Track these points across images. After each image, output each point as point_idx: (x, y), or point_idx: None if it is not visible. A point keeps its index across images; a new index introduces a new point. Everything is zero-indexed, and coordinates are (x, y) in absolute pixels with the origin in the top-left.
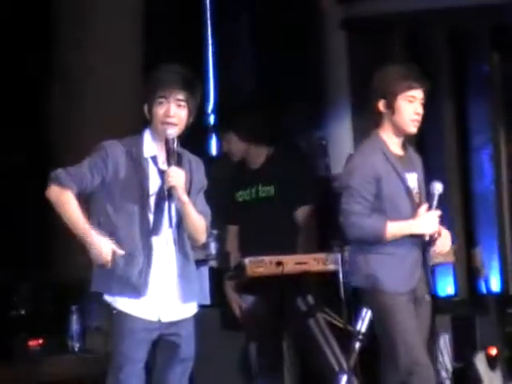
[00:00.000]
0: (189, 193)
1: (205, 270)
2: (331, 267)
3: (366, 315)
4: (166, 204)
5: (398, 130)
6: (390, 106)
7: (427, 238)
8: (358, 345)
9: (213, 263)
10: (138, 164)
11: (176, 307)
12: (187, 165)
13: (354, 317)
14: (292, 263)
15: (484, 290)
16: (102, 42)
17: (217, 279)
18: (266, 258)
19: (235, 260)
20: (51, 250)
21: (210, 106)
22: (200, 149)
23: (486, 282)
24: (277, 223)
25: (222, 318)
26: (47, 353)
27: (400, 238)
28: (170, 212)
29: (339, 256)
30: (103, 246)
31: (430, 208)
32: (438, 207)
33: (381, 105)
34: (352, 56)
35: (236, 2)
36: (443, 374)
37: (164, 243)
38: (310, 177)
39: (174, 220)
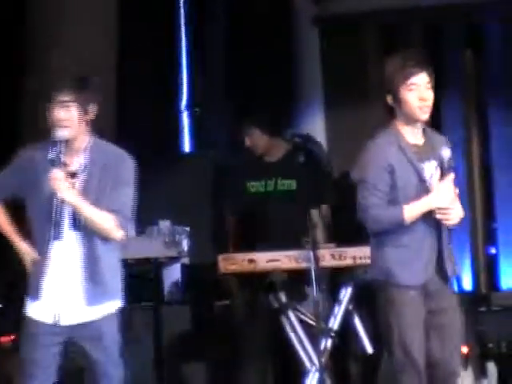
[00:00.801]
0: (100, 189)
1: (176, 267)
2: (303, 265)
3: (338, 313)
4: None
5: (410, 120)
6: (396, 99)
7: (438, 215)
8: (330, 342)
9: (185, 260)
10: (44, 168)
11: (80, 310)
12: (99, 161)
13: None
14: (264, 261)
15: (456, 289)
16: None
17: (189, 276)
18: (239, 255)
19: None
20: None
21: (183, 104)
22: (173, 145)
23: (458, 280)
24: (294, 216)
25: (192, 316)
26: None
27: (415, 226)
28: (71, 214)
29: (311, 254)
30: (24, 252)
31: (442, 176)
32: (448, 172)
33: (389, 99)
34: (325, 53)
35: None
36: None
37: (67, 247)
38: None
39: (78, 222)
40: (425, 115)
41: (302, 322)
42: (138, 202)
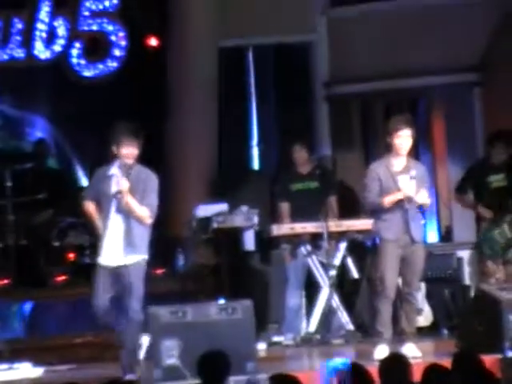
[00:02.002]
0: (140, 193)
1: (251, 232)
2: (320, 230)
3: (338, 255)
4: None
5: (395, 153)
6: (391, 141)
7: (406, 202)
8: (334, 272)
9: (256, 228)
10: (105, 179)
11: (122, 257)
12: (135, 177)
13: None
14: (299, 228)
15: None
16: None
17: (257, 236)
18: (284, 225)
19: (287, 225)
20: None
21: (255, 141)
22: (248, 165)
23: (424, 238)
24: (318, 202)
25: (260, 258)
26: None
27: (392, 208)
28: (119, 205)
29: (324, 224)
30: (101, 229)
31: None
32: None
33: (388, 139)
34: (331, 115)
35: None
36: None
37: (116, 223)
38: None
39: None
40: (404, 152)
41: (319, 261)
42: (231, 197)
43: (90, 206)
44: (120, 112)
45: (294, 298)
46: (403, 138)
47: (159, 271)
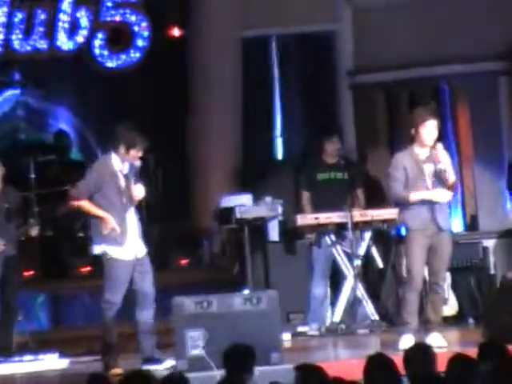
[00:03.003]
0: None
1: (275, 222)
2: (344, 220)
3: (363, 245)
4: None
5: (422, 144)
6: (416, 131)
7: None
8: (359, 262)
9: (280, 218)
10: (115, 173)
11: (140, 249)
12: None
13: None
14: (324, 218)
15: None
16: None
17: (282, 226)
18: (309, 215)
19: (311, 215)
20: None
21: (278, 131)
22: (272, 155)
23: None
24: (345, 193)
25: (284, 249)
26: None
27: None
28: (130, 197)
29: (349, 214)
30: (112, 220)
31: (440, 183)
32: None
33: (412, 131)
34: (355, 104)
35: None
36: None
37: (131, 216)
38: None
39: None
40: (430, 143)
41: (344, 251)
42: (254, 189)
43: (84, 203)
44: (143, 103)
45: (319, 288)
46: (429, 129)
47: (184, 262)
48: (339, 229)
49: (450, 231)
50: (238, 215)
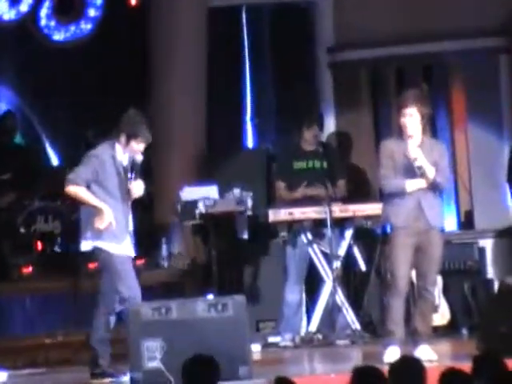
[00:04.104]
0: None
1: (244, 217)
2: (323, 216)
3: (344, 245)
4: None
5: (405, 133)
6: (400, 119)
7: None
8: (338, 263)
9: (249, 213)
10: (116, 162)
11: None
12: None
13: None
14: (299, 212)
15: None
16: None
17: (251, 222)
18: (283, 209)
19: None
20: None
21: (249, 114)
22: (241, 142)
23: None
24: (324, 186)
25: (255, 248)
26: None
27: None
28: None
29: (328, 209)
30: (110, 213)
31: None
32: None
33: (398, 117)
34: (336, 85)
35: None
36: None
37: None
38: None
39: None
40: (411, 133)
41: (322, 251)
42: (221, 178)
43: (82, 190)
44: (95, 82)
45: (294, 293)
46: (406, 117)
47: (139, 262)
48: (317, 226)
49: (440, 229)
50: (202, 209)
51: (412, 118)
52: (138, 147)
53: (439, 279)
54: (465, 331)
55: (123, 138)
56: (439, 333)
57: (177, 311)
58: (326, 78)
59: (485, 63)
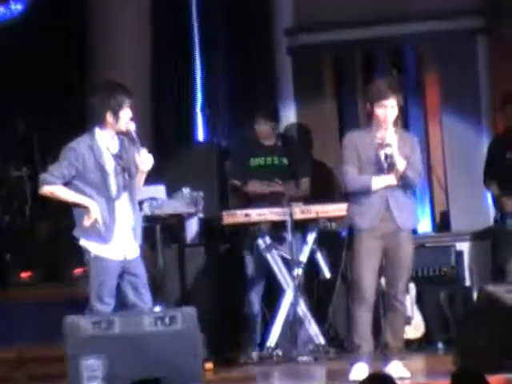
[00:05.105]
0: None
1: (194, 220)
2: (282, 218)
3: (306, 250)
4: (121, 177)
5: (379, 125)
6: (372, 110)
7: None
8: (300, 271)
9: (200, 215)
10: (96, 153)
11: (132, 249)
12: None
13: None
14: (255, 214)
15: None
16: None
17: (203, 225)
18: (238, 211)
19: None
20: None
21: (199, 106)
22: (190, 136)
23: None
24: (284, 185)
25: (206, 254)
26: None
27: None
28: (124, 181)
29: (288, 210)
30: (96, 209)
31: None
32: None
33: (368, 107)
34: (296, 72)
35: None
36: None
37: (123, 205)
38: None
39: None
40: (386, 126)
41: (281, 257)
42: (168, 176)
43: (58, 188)
44: (29, 66)
45: (250, 304)
46: (388, 109)
47: (78, 271)
48: (276, 229)
49: (410, 231)
50: (148, 211)
51: (393, 110)
52: (127, 115)
53: (412, 287)
54: (441, 345)
55: (110, 118)
56: (412, 347)
57: (120, 325)
58: (285, 63)
59: (461, 46)
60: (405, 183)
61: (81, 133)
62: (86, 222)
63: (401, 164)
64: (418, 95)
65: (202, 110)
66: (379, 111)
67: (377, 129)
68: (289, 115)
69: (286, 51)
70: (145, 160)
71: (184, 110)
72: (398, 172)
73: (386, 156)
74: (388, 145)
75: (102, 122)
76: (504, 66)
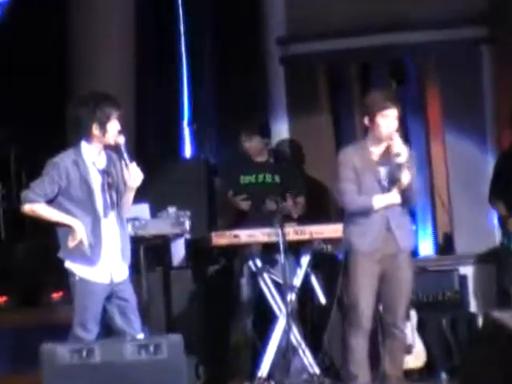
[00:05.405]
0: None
1: (180, 241)
2: (274, 239)
3: (300, 274)
4: (108, 194)
5: (377, 138)
6: (371, 122)
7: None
8: (294, 296)
9: (187, 236)
10: (82, 168)
11: (120, 271)
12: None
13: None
14: (245, 235)
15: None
16: None
17: (190, 247)
18: (227, 232)
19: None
20: None
21: (185, 122)
22: (176, 151)
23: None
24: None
25: (193, 277)
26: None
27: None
28: (111, 199)
29: (280, 231)
30: (81, 229)
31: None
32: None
33: (365, 120)
34: (288, 83)
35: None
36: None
37: (111, 224)
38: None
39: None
40: (387, 137)
41: (273, 281)
42: (153, 194)
43: (40, 206)
44: (5, 80)
45: (240, 331)
46: (389, 120)
47: (56, 295)
48: (267, 251)
49: (409, 253)
50: (131, 232)
51: (394, 120)
52: (115, 127)
53: (413, 313)
54: (444, 375)
55: (96, 131)
56: (414, 377)
57: (100, 353)
58: (277, 74)
59: (464, 56)
60: (406, 200)
61: (62, 148)
62: (71, 243)
63: (406, 176)
64: (418, 110)
65: (189, 124)
66: (381, 121)
67: (374, 143)
68: (281, 129)
69: (279, 61)
70: (134, 175)
71: (170, 125)
72: (402, 186)
73: (394, 166)
74: (398, 154)
75: (88, 136)
76: (509, 77)
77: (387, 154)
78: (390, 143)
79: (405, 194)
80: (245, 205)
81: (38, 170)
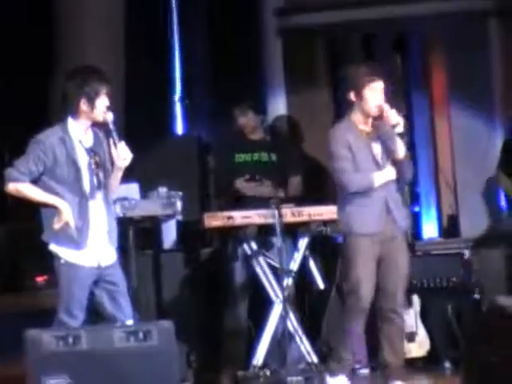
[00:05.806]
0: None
1: (171, 223)
2: (270, 221)
3: (297, 258)
4: (95, 174)
5: (364, 113)
6: (358, 96)
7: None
8: (290, 280)
9: (178, 217)
10: (69, 146)
11: (109, 254)
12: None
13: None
14: (240, 217)
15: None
16: None
17: (181, 229)
18: (220, 213)
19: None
20: None
21: (177, 96)
22: (167, 128)
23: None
24: (273, 184)
25: (184, 261)
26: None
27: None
28: (98, 179)
29: (276, 213)
30: (68, 210)
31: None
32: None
33: (352, 95)
34: (286, 56)
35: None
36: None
37: (98, 205)
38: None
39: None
40: (374, 111)
41: (269, 265)
42: (143, 173)
43: (25, 186)
44: None
45: (235, 318)
46: (377, 93)
47: (40, 279)
48: (263, 233)
49: (404, 234)
50: (120, 213)
51: (381, 94)
52: (103, 103)
53: (416, 300)
54: (448, 364)
55: (84, 106)
56: (417, 366)
57: (87, 340)
58: (275, 47)
59: (470, 30)
60: (402, 175)
61: (47, 124)
62: (57, 225)
63: (402, 148)
64: (422, 84)
65: (181, 99)
66: (369, 95)
67: (362, 118)
68: (278, 105)
69: (276, 33)
70: (123, 155)
71: (161, 100)
72: (398, 158)
73: (393, 135)
74: (396, 125)
75: (75, 112)
76: None
77: (377, 129)
78: (384, 115)
79: (400, 168)
80: (247, 188)
81: (20, 147)
